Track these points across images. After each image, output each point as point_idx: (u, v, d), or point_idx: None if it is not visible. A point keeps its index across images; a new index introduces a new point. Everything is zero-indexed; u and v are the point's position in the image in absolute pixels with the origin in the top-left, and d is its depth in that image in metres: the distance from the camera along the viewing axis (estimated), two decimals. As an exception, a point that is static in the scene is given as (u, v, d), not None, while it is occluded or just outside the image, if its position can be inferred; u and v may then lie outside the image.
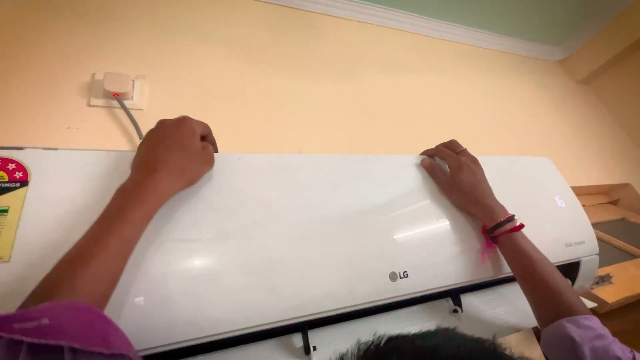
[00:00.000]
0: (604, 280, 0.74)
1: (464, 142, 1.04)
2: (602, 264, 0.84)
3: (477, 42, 1.43)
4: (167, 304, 0.35)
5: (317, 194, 0.48)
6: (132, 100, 0.68)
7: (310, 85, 0.92)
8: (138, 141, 0.64)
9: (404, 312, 0.52)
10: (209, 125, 0.44)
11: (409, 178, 0.56)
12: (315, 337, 0.44)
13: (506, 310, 0.59)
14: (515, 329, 0.56)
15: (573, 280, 0.66)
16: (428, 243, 0.50)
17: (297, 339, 0.44)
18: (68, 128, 0.62)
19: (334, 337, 0.45)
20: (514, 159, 0.72)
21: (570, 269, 0.65)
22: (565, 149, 1.28)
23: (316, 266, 0.43)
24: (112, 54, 0.73)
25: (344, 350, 0.25)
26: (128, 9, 0.81)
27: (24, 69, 0.64)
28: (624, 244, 1.00)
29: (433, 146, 0.62)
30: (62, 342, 0.23)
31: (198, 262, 0.38)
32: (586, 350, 0.39)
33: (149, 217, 0.34)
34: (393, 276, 0.46)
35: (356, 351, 0.24)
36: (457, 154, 0.57)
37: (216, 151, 0.46)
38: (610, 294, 0.70)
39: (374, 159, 0.56)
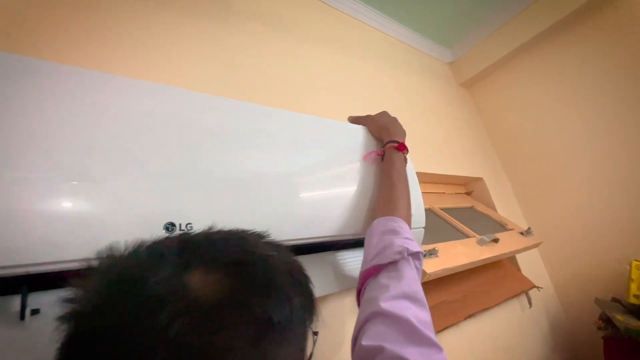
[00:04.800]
0: (431, 253, 0.80)
1: (338, 115, 1.02)
2: (436, 240, 0.92)
3: (378, 26, 1.44)
4: None
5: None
6: None
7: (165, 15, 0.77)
8: None
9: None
10: None
11: (207, 119, 0.48)
12: (41, 299, 0.34)
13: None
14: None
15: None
16: (229, 189, 0.44)
17: (13, 303, 0.33)
18: None
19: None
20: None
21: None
22: (435, 141, 1.39)
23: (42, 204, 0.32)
24: None
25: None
26: None
27: None
28: (463, 226, 1.13)
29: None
30: None
31: None
32: (374, 240, 0.47)
33: None
34: (170, 227, 0.38)
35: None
36: None
37: None
38: (433, 266, 0.77)
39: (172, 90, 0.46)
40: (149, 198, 0.38)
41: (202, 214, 0.41)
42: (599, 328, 1.16)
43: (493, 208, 1.49)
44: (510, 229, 1.31)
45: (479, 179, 1.53)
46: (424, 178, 1.30)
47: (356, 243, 0.67)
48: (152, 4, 0.76)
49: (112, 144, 0.36)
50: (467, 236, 1.09)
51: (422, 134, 1.33)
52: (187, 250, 0.25)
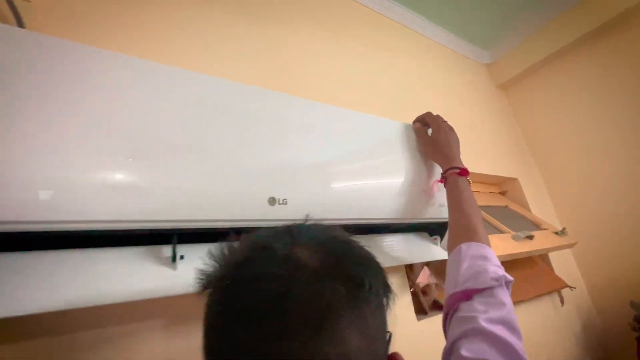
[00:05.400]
0: (469, 243, 0.87)
1: (375, 113, 1.09)
2: (473, 233, 0.98)
3: (415, 27, 1.49)
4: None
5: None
6: (16, -13, 0.59)
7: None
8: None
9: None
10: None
11: (308, 117, 0.58)
12: (184, 250, 0.45)
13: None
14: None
15: (442, 236, 0.76)
16: (313, 175, 0.54)
17: (165, 250, 0.45)
18: None
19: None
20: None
21: (438, 227, 0.76)
22: (471, 141, 1.43)
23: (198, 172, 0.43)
24: None
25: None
26: None
27: None
28: (498, 223, 1.18)
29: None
30: None
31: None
32: (464, 264, 0.48)
33: None
34: (272, 201, 0.49)
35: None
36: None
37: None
38: (471, 254, 0.84)
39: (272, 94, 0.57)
40: (260, 178, 0.49)
41: (294, 193, 0.51)
42: (634, 329, 1.17)
43: (527, 208, 1.52)
44: (545, 229, 1.34)
45: (514, 180, 1.56)
46: (459, 176, 1.35)
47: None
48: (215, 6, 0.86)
49: (239, 140, 0.48)
50: (502, 232, 1.14)
51: (457, 134, 1.38)
52: (293, 232, 0.32)
